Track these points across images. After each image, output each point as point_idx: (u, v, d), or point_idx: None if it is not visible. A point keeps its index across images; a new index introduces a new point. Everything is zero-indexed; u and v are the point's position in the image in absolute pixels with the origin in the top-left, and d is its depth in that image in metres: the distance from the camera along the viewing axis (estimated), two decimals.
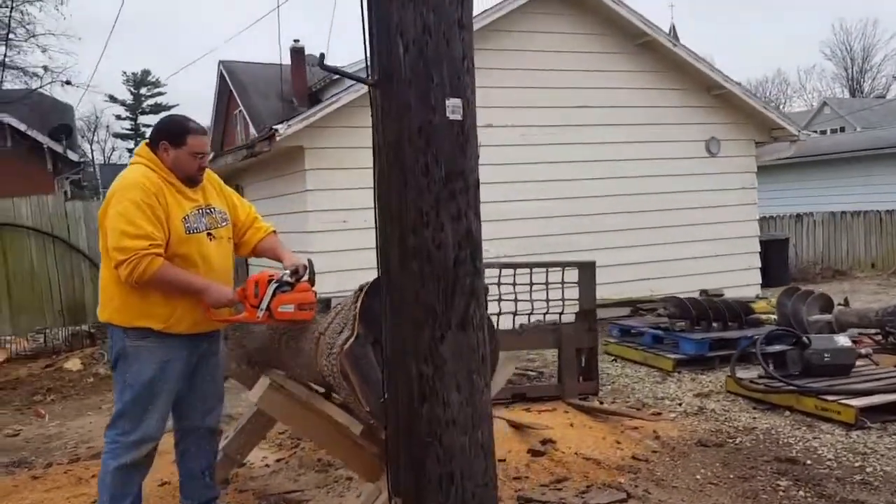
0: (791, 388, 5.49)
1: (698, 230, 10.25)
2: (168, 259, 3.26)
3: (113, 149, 61.01)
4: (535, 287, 5.95)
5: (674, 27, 41.73)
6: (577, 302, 6.08)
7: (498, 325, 5.92)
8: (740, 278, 10.54)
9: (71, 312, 10.30)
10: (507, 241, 9.00)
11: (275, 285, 3.32)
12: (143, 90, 61.63)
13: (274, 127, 8.01)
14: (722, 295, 10.06)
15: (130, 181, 3.32)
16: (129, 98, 60.96)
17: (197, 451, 3.65)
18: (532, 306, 5.91)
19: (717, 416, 5.49)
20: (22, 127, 18.46)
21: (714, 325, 7.39)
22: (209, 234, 3.45)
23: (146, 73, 61.08)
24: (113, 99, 59.57)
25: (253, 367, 4.03)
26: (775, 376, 5.64)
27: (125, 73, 59.96)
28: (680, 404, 5.83)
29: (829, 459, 4.58)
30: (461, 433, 2.28)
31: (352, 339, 2.75)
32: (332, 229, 8.37)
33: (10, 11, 15.21)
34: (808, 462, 4.54)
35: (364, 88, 7.85)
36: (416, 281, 2.26)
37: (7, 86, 17.63)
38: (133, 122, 60.48)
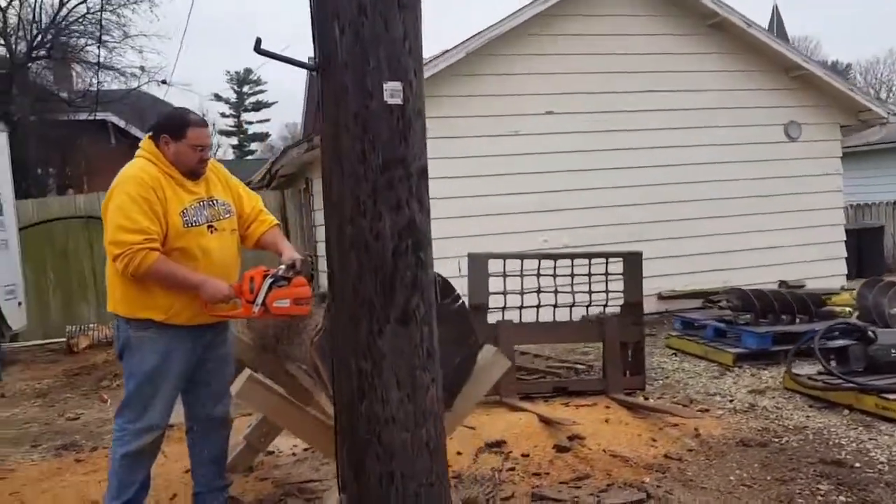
0: (850, 385, 5.12)
1: (777, 219, 9.72)
2: (167, 253, 3.30)
3: (218, 145, 63.41)
4: (583, 279, 5.77)
5: (776, 8, 39.93)
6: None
7: (538, 317, 5.81)
8: (823, 269, 9.93)
9: None
10: (569, 232, 8.83)
11: (270, 280, 3.32)
12: (246, 88, 63.76)
13: None
14: (803, 286, 9.56)
15: (129, 175, 3.38)
16: (232, 96, 63.22)
17: (207, 439, 3.70)
18: (573, 298, 5.74)
19: (767, 414, 5.18)
20: (122, 124, 19.35)
21: (784, 317, 7.01)
22: (210, 226, 3.47)
23: (248, 71, 63.07)
24: (217, 97, 61.94)
25: (276, 356, 4.05)
26: (833, 372, 5.28)
27: (228, 72, 62.06)
28: (731, 401, 5.54)
29: (881, 462, 4.24)
30: (402, 431, 2.20)
31: (320, 332, 2.72)
32: None
33: (101, 14, 15.95)
34: (857, 465, 4.22)
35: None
36: (353, 273, 2.20)
37: (106, 87, 18.54)
38: (236, 120, 62.62)
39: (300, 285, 3.35)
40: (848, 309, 7.39)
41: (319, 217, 11.28)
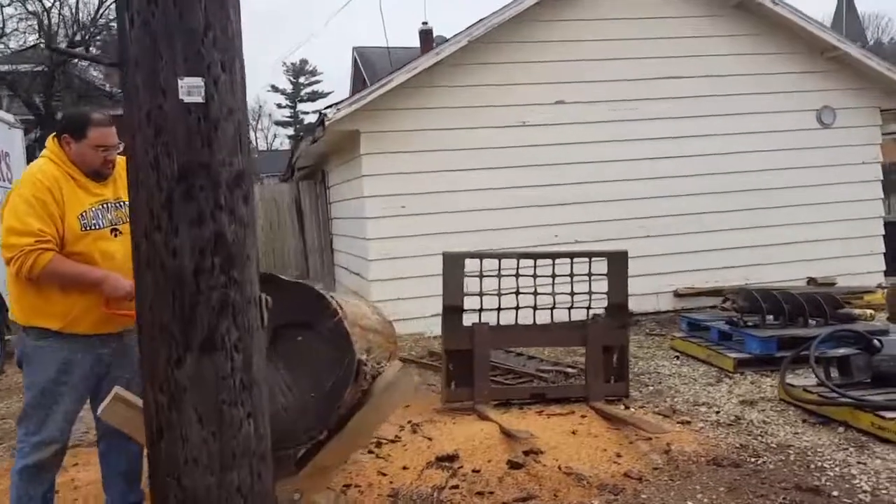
0: (846, 399, 4.68)
1: (807, 211, 9.12)
2: (66, 257, 3.16)
3: (275, 136, 64.51)
4: (573, 279, 5.44)
5: None
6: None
7: (516, 319, 5.50)
8: (858, 265, 9.29)
9: None
10: (580, 226, 8.46)
11: None
12: (302, 79, 64.47)
13: (323, 111, 7.89)
14: (834, 284, 9.00)
15: (26, 176, 3.27)
16: (288, 87, 64.01)
17: (116, 452, 3.55)
18: (553, 300, 5.41)
19: (752, 429, 4.77)
20: None
21: (799, 319, 6.53)
22: (114, 230, 3.32)
23: (304, 62, 63.78)
24: (274, 88, 62.93)
25: None
26: (827, 385, 4.83)
27: (285, 63, 62.84)
28: (717, 412, 5.14)
29: (864, 492, 3.81)
30: (206, 474, 1.95)
31: None
32: (389, 215, 8.16)
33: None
34: (835, 493, 3.80)
35: (420, 67, 7.48)
36: (149, 294, 1.97)
37: None
38: (293, 110, 63.44)
39: None
40: (870, 311, 6.85)
41: (335, 209, 11.17)
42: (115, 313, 3.23)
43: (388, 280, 8.10)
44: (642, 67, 8.69)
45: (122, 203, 3.37)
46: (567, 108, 8.55)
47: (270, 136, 63.85)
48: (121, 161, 3.45)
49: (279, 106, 63.30)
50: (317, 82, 63.45)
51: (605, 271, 5.46)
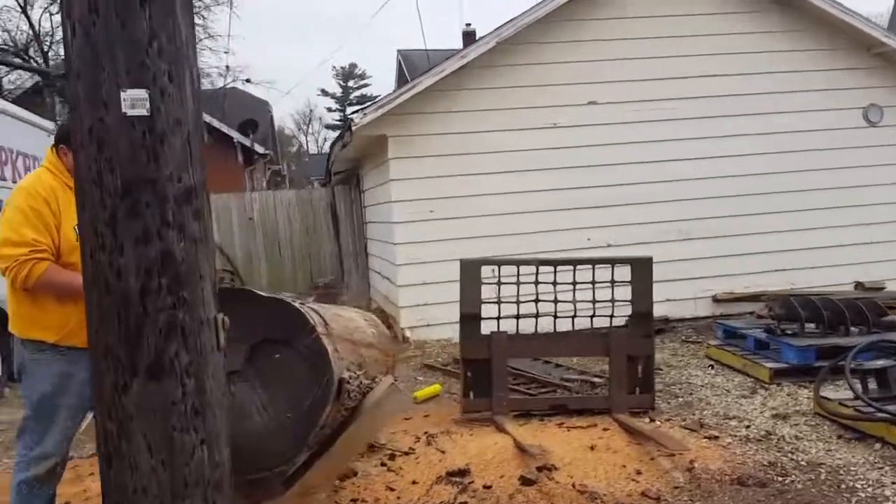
0: (882, 414, 4.41)
1: (855, 212, 8.73)
2: (62, 268, 3.14)
3: (325, 139, 65.19)
4: (594, 287, 5.27)
5: None
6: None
7: (536, 328, 5.35)
8: None
9: None
10: (613, 230, 8.26)
11: None
12: (351, 83, 65.06)
13: (350, 116, 7.83)
14: (882, 288, 8.60)
15: (23, 186, 3.28)
16: (338, 91, 64.65)
17: None
18: (574, 308, 5.23)
19: (783, 445, 4.53)
20: (214, 122, 19.95)
21: (840, 328, 6.22)
22: None
23: (353, 66, 64.38)
24: (324, 92, 63.63)
25: None
26: (863, 398, 4.57)
27: (334, 67, 63.47)
28: (748, 426, 4.90)
29: None
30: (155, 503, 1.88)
31: None
32: (417, 219, 8.06)
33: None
34: None
35: (446, 70, 7.35)
36: (94, 316, 1.89)
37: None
38: (342, 114, 64.00)
39: None
40: None
41: (369, 213, 11.13)
42: None
43: (416, 285, 8.00)
44: (677, 66, 8.42)
45: None
46: (599, 109, 8.34)
47: (321, 140, 64.59)
48: None
49: (329, 110, 64.11)
50: (366, 86, 64.03)
51: (629, 278, 5.27)
